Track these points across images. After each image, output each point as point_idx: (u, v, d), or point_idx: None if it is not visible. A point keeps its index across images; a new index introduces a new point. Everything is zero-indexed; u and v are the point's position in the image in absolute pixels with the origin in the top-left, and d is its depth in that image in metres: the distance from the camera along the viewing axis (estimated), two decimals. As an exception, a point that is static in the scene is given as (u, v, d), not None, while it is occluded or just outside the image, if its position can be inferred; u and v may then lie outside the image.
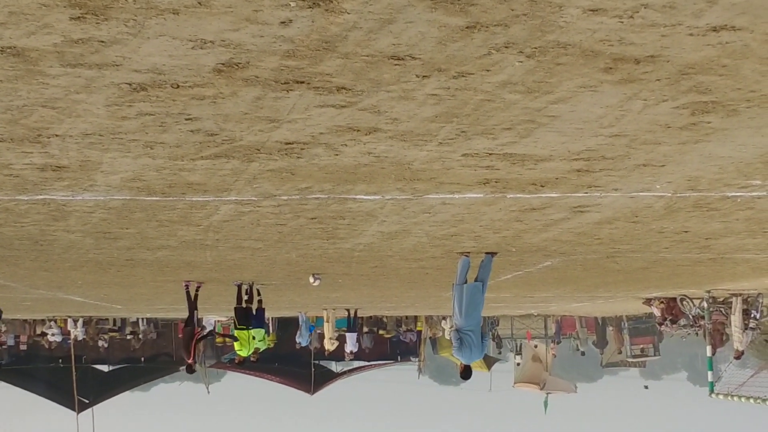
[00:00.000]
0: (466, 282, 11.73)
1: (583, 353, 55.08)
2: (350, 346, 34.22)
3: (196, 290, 16.77)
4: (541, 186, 6.80)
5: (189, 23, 3.45)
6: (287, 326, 47.98)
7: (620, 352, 53.54)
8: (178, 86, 4.21)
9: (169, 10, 3.33)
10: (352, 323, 33.66)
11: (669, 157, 5.84)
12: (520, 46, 3.80)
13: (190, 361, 17.90)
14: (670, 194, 7.21)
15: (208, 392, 49.43)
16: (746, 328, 22.97)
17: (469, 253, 11.21)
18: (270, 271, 14.63)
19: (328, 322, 32.86)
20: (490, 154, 5.72)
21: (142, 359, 50.85)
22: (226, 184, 6.62)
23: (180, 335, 28.14)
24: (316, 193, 7.02)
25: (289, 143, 5.39)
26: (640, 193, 7.19)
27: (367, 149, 5.53)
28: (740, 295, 22.55)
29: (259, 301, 18.06)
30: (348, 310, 32.56)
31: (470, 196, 7.21)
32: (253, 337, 18.22)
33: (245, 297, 17.47)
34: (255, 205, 7.63)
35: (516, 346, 48.08)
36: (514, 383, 43.03)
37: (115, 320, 47.72)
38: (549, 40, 3.74)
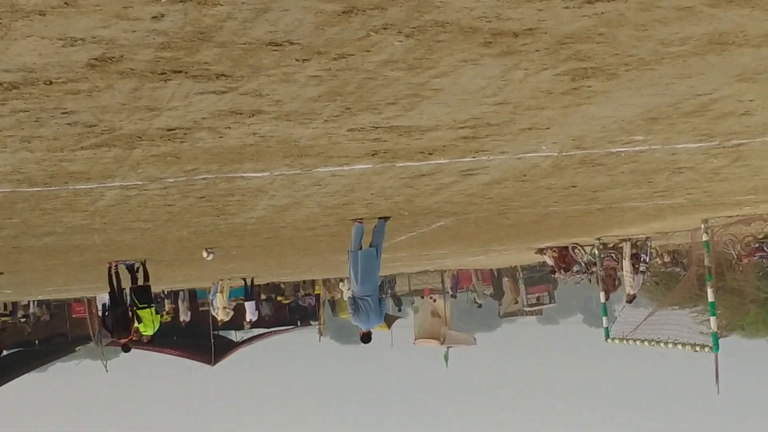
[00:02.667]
0: (360, 248, 11.74)
1: (479, 305, 55.86)
2: (249, 314, 34.06)
3: (137, 268, 16.60)
4: (429, 154, 6.81)
5: (57, 23, 3.34)
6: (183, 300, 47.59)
7: (517, 302, 54.47)
8: (51, 83, 4.09)
9: (35, 12, 3.22)
10: (250, 292, 33.50)
11: (553, 120, 5.90)
12: (398, 26, 3.77)
13: (126, 340, 17.55)
14: (556, 153, 7.30)
15: (107, 370, 48.75)
16: (637, 272, 23.53)
17: (362, 219, 11.21)
18: (162, 249, 14.46)
19: (221, 292, 32.61)
20: (376, 127, 5.71)
21: (36, 342, 49.86)
22: (110, 171, 6.49)
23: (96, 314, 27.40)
24: (203, 174, 6.93)
25: (171, 129, 5.30)
26: (527, 155, 7.26)
27: (251, 130, 5.47)
28: (629, 240, 23.07)
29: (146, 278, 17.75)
30: (244, 279, 32.38)
31: (359, 167, 7.20)
32: (158, 313, 17.98)
33: (135, 276, 17.17)
34: (141, 189, 7.50)
35: (413, 304, 48.50)
36: (415, 340, 43.48)
37: (5, 305, 46.68)
38: (427, 20, 3.72)
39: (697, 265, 20.68)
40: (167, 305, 46.68)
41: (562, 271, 27.85)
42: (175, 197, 8.13)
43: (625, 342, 20.89)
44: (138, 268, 16.94)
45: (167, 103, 4.70)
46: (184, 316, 43.10)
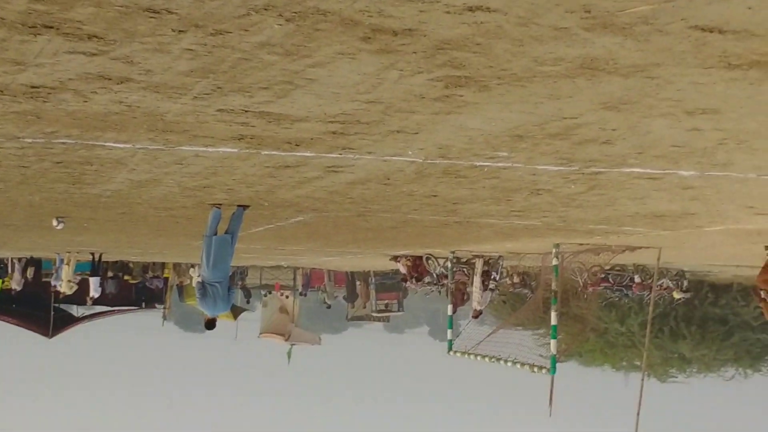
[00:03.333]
0: (216, 234, 11.63)
1: (329, 306, 55.86)
2: (93, 290, 33.36)
3: None
4: (296, 145, 6.78)
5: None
6: (27, 267, 46.26)
7: (365, 307, 54.67)
8: None
9: None
10: (96, 267, 32.81)
11: (422, 125, 5.95)
12: (280, 9, 3.74)
13: None
14: (421, 160, 7.35)
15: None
16: (486, 289, 23.90)
17: (220, 204, 11.10)
18: (11, 213, 14.05)
19: (68, 264, 31.83)
20: (245, 111, 5.65)
21: None
22: (-35, 123, 6.27)
23: None
24: (63, 137, 6.75)
25: (35, 87, 5.14)
26: (393, 158, 7.29)
27: (118, 98, 5.35)
28: (482, 257, 23.42)
29: None
30: (92, 254, 31.69)
31: (224, 150, 7.12)
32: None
33: None
34: (-4, 146, 7.26)
35: (263, 297, 48.20)
36: (260, 333, 43.24)
37: None
38: (309, 6, 3.71)
39: (544, 289, 21.11)
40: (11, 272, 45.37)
41: (414, 280, 28.09)
42: (30, 159, 7.90)
43: (467, 356, 21.17)
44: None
45: (34, 58, 4.56)
46: (17, 286, 41.81)
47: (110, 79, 4.94)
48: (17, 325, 47.80)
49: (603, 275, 28.14)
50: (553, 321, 18.13)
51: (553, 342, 18.15)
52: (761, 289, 13.45)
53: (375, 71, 4.64)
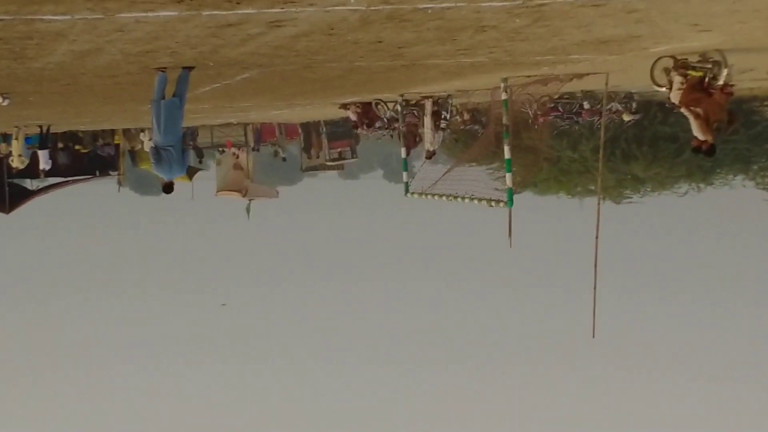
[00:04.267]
0: (164, 98, 11.56)
1: (284, 159, 55.91)
2: (43, 163, 33.15)
3: None
4: (237, 3, 6.72)
5: None
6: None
7: (318, 156, 54.79)
8: None
9: None
10: (45, 140, 32.50)
11: (362, -27, 5.91)
12: None
13: None
14: (364, 8, 7.32)
15: None
16: (437, 129, 24.01)
17: (165, 68, 10.99)
18: (-46, 92, 13.85)
19: (16, 139, 31.51)
20: (183, -28, 5.58)
21: None
22: None
23: None
24: (1, 14, 6.64)
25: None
26: (336, 7, 7.25)
27: (53, -30, 5.26)
28: (431, 97, 23.45)
29: None
30: (41, 127, 31.34)
31: (164, 14, 7.04)
32: None
33: None
34: (-67, 28, 7.13)
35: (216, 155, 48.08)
36: (217, 192, 43.23)
37: None
38: None
39: (495, 123, 21.25)
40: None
41: (365, 126, 28.14)
42: (-31, 38, 7.78)
43: (423, 197, 21.41)
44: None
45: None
46: None
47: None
48: (-28, 202, 47.47)
49: (552, 105, 28.34)
50: (507, 154, 18.31)
51: (508, 175, 18.37)
52: (690, 108, 13.69)
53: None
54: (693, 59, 13.64)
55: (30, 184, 49.17)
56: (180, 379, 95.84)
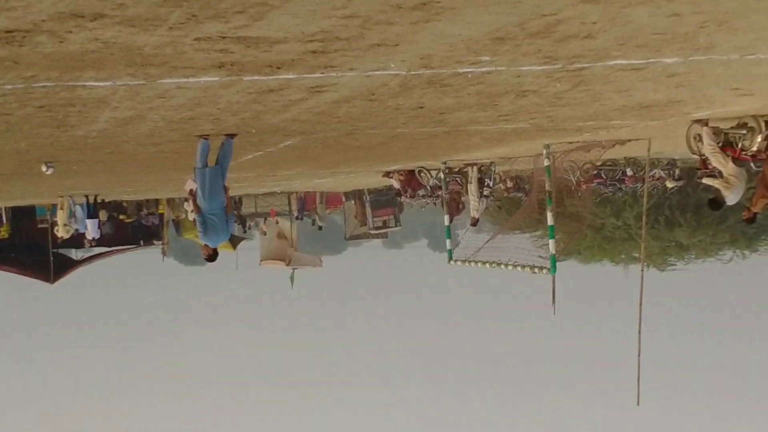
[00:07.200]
0: (207, 165, 11.63)
1: (320, 228, 56.03)
2: (92, 232, 33.37)
3: None
4: (278, 68, 6.74)
5: None
6: (21, 216, 46.29)
7: (363, 225, 54.89)
8: None
9: None
10: (92, 210, 32.78)
11: (402, 36, 5.90)
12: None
13: None
14: (404, 72, 7.32)
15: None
16: (481, 196, 24.01)
17: (208, 135, 11.06)
18: (-1, 162, 14.02)
19: (61, 209, 31.84)
20: (223, 37, 5.61)
21: None
22: (-57, 76, 6.22)
23: None
24: (43, 81, 6.70)
25: (10, 31, 5.09)
26: (376, 72, 7.25)
27: (93, 36, 5.30)
28: (475, 164, 23.47)
29: None
30: (86, 197, 31.66)
31: (205, 79, 7.07)
32: None
33: None
34: (-24, 96, 7.22)
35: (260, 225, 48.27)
36: (261, 261, 43.33)
37: None
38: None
39: (538, 190, 21.20)
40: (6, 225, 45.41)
41: (408, 194, 28.18)
42: (12, 106, 7.85)
43: (467, 264, 21.30)
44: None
45: (5, 2, 4.51)
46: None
47: (83, 17, 4.89)
48: (18, 273, 47.90)
49: (595, 172, 28.26)
50: (550, 221, 18.22)
51: (551, 242, 18.26)
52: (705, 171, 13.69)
53: (349, -15, 4.59)
54: (725, 126, 13.56)
55: (75, 254, 49.61)
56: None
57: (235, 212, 48.04)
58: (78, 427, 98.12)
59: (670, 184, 33.34)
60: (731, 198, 13.98)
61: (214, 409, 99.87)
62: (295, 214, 50.86)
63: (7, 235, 43.78)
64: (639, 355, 19.09)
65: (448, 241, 23.00)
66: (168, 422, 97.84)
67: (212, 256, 12.46)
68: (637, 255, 39.34)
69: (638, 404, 19.34)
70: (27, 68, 6.18)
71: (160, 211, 50.45)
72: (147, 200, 48.46)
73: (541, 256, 19.85)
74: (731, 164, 13.72)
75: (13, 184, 20.30)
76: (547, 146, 17.50)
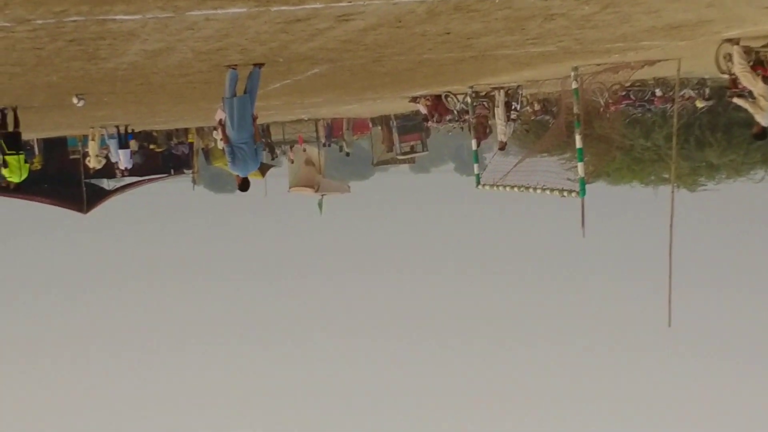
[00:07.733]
0: (235, 95, 11.68)
1: (347, 154, 56.01)
2: (124, 162, 33.56)
3: (6, 114, 16.11)
4: (305, -3, 6.77)
5: None
6: (53, 147, 46.55)
7: (390, 150, 54.86)
8: None
9: None
10: (124, 140, 32.91)
11: (428, -36, 5.92)
12: None
13: None
14: (431, -1, 7.33)
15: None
16: (508, 120, 23.95)
17: (236, 65, 11.10)
18: (31, 95, 14.10)
19: (93, 140, 32.02)
20: (251, -31, 5.65)
21: None
22: (-25, 13, 6.29)
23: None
24: (73, 15, 6.76)
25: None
26: (402, 0, 7.27)
27: (123, -30, 5.35)
28: (501, 88, 23.38)
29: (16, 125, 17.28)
30: (117, 127, 31.78)
31: (234, 11, 7.11)
32: (26, 162, 17.61)
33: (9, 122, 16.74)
34: (8, 31, 7.28)
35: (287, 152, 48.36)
36: (289, 188, 43.51)
37: None
38: None
39: (566, 113, 21.14)
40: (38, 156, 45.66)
41: (435, 119, 28.14)
42: (44, 40, 7.93)
43: (495, 188, 21.35)
44: (7, 113, 16.51)
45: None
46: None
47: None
48: (52, 204, 48.29)
49: (624, 93, 28.07)
50: (578, 144, 18.20)
51: (580, 165, 18.26)
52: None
53: None
54: (756, 44, 13.42)
55: (107, 183, 49.92)
56: (258, 365, 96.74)
57: (264, 140, 48.17)
58: (103, 356, 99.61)
59: (700, 104, 33.09)
60: (765, 118, 13.87)
61: (248, 338, 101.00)
62: (323, 141, 50.88)
63: (39, 167, 44.04)
64: (670, 276, 19.17)
65: (475, 166, 23.03)
66: (204, 349, 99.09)
67: (244, 183, 12.54)
68: (667, 176, 39.18)
69: (669, 325, 19.47)
70: (57, 3, 6.24)
71: (189, 141, 50.61)
72: (177, 129, 48.58)
73: (569, 179, 19.87)
74: (761, 83, 13.61)
75: (45, 116, 20.42)
76: (576, 68, 17.41)
